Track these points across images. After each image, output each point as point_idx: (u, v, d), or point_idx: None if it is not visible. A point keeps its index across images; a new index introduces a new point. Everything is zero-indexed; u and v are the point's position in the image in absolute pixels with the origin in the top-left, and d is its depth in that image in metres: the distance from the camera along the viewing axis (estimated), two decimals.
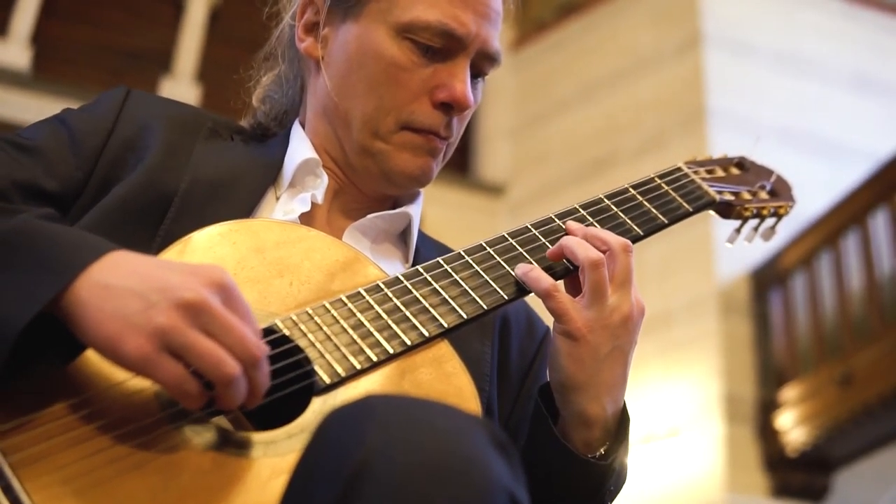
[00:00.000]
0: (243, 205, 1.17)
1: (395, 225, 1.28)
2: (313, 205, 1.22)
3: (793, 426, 5.12)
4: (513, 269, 1.12)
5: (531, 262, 1.12)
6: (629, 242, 1.13)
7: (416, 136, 1.21)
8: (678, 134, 6.04)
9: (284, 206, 1.21)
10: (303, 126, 1.31)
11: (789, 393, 5.19)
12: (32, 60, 6.31)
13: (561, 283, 1.12)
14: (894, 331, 4.78)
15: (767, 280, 5.56)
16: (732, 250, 5.59)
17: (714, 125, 5.93)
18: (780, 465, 5.17)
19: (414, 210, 1.29)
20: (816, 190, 5.69)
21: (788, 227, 5.49)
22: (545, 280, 1.09)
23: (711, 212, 1.37)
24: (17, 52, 6.27)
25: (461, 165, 7.30)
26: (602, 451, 1.10)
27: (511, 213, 6.68)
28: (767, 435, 5.22)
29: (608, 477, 1.11)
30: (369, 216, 1.24)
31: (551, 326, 1.11)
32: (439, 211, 6.71)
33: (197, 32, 6.81)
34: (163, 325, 0.81)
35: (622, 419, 1.13)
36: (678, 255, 5.58)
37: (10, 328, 0.80)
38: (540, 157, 6.86)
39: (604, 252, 1.11)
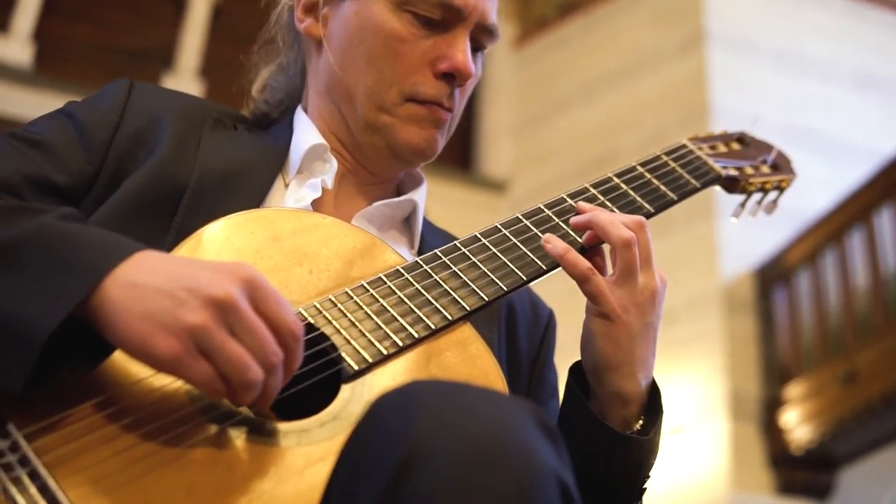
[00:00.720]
0: (254, 194, 1.17)
1: (401, 212, 1.29)
2: (323, 190, 1.22)
3: (797, 424, 5.11)
4: (529, 250, 1.12)
5: (541, 263, 1.12)
6: (643, 219, 1.15)
7: (421, 107, 1.21)
8: (680, 132, 5.99)
9: (295, 194, 1.21)
10: (305, 111, 1.31)
11: (793, 391, 5.18)
12: (34, 57, 6.30)
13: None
14: None
15: (772, 277, 5.55)
16: (736, 248, 5.60)
17: (716, 123, 5.92)
18: (784, 462, 5.16)
19: (419, 197, 1.30)
20: (818, 188, 5.69)
21: (793, 225, 5.50)
22: (582, 263, 1.09)
23: (718, 191, 1.39)
24: (18, 48, 6.26)
25: (463, 162, 7.29)
26: (638, 426, 1.11)
27: (513, 211, 6.60)
28: (771, 433, 5.21)
29: (653, 451, 1.12)
30: (375, 204, 1.25)
31: (585, 308, 1.11)
32: (441, 208, 6.69)
33: (199, 30, 6.80)
34: (194, 325, 0.80)
35: (654, 392, 1.13)
36: (682, 253, 5.57)
37: (39, 332, 0.80)
38: (542, 155, 6.85)
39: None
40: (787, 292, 5.48)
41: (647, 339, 1.11)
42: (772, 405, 5.24)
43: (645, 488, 1.15)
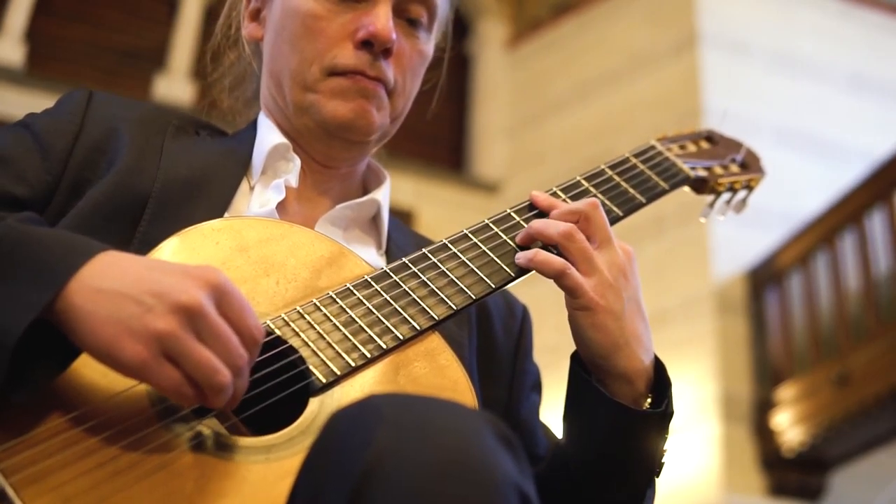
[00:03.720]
0: (218, 200, 1.16)
1: (364, 213, 1.28)
2: (287, 189, 1.21)
3: (789, 426, 5.11)
4: (497, 257, 1.11)
5: (517, 248, 1.12)
6: (595, 200, 1.13)
7: (342, 79, 1.19)
8: None
9: (260, 197, 1.20)
10: (266, 114, 1.31)
11: (785, 392, 5.19)
12: (26, 57, 6.28)
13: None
14: (891, 330, 4.77)
15: (764, 279, 5.55)
16: (728, 249, 5.61)
17: (710, 125, 5.88)
18: (776, 464, 5.17)
19: (381, 196, 1.29)
20: (812, 189, 5.70)
21: (785, 227, 5.51)
22: (556, 261, 1.08)
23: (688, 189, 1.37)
24: (10, 48, 6.24)
25: (456, 163, 7.29)
26: (647, 403, 1.11)
27: None
28: (764, 435, 5.22)
29: (667, 424, 1.12)
30: (338, 207, 1.24)
31: (565, 305, 1.10)
32: (434, 209, 6.69)
33: (191, 30, 6.79)
34: (161, 331, 0.80)
35: (658, 367, 1.13)
36: (674, 254, 5.57)
37: (7, 337, 0.79)
38: (535, 156, 6.85)
39: (575, 221, 1.11)
40: (780, 294, 5.48)
41: (633, 315, 1.10)
42: (764, 407, 5.25)
43: (663, 462, 1.14)
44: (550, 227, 1.10)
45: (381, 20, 1.18)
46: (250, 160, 1.24)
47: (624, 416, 1.08)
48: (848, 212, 5.23)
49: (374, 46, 1.19)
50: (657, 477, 1.15)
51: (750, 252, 5.58)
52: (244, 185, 1.22)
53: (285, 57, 1.22)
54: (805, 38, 6.60)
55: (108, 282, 0.83)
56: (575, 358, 1.15)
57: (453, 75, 8.10)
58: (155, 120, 1.23)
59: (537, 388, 1.36)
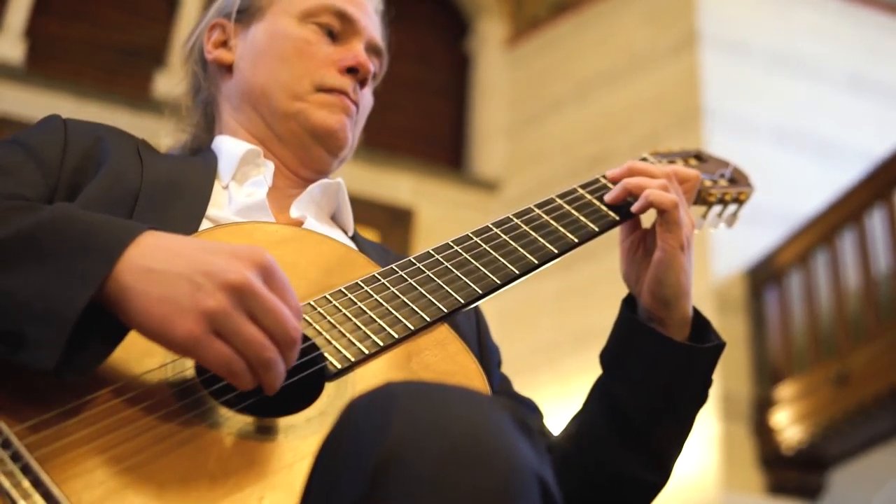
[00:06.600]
0: (199, 196, 1.24)
1: (330, 195, 1.39)
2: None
3: (788, 424, 5.12)
4: (499, 255, 1.18)
5: (512, 268, 1.17)
6: (670, 172, 1.28)
7: (330, 95, 1.37)
8: (673, 133, 6.04)
9: (238, 193, 1.30)
10: (223, 134, 1.42)
11: (785, 391, 5.19)
12: (26, 55, 6.28)
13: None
14: (890, 330, 4.78)
15: (763, 278, 5.56)
16: (727, 248, 5.61)
17: (709, 124, 5.93)
18: (775, 463, 5.17)
19: (341, 187, 1.41)
20: (811, 189, 5.70)
21: (784, 226, 5.51)
22: (668, 195, 1.21)
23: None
24: (10, 46, 6.24)
25: (455, 162, 7.29)
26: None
27: (505, 211, 6.58)
28: (763, 433, 5.22)
29: (719, 355, 1.24)
30: (308, 189, 1.35)
31: (659, 246, 1.21)
32: (433, 207, 6.70)
33: (191, 27, 6.78)
34: (212, 309, 0.84)
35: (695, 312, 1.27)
36: None
37: (69, 311, 0.82)
38: (535, 155, 6.85)
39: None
40: (779, 293, 5.48)
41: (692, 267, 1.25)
42: (763, 405, 5.25)
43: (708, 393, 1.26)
44: (657, 175, 1.26)
45: (363, 55, 1.40)
46: (216, 168, 1.34)
47: (687, 355, 1.20)
48: (848, 211, 5.23)
49: (357, 73, 1.39)
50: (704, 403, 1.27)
51: (749, 251, 5.58)
52: (217, 187, 1.30)
53: (272, 71, 1.38)
54: (804, 39, 6.60)
55: (158, 262, 0.87)
56: (626, 308, 1.26)
57: (453, 74, 8.06)
58: (125, 136, 1.33)
59: (500, 365, 1.44)
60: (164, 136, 1.51)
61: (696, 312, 1.26)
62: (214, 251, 0.89)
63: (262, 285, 0.86)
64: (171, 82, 6.46)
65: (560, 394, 5.06)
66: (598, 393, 1.27)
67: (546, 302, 5.69)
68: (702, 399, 1.25)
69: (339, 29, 1.41)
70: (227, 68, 1.44)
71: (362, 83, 1.41)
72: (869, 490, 5.30)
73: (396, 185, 6.61)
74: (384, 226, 6.29)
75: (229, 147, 1.36)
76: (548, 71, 7.13)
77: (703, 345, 1.21)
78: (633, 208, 1.25)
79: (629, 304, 1.28)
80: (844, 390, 4.88)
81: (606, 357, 1.27)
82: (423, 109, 7.18)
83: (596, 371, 1.28)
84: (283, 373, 0.88)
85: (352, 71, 1.38)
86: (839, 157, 6.15)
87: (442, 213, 6.57)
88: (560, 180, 6.35)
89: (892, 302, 4.92)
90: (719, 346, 1.23)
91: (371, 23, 1.45)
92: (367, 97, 1.45)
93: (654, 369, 1.20)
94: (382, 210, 6.35)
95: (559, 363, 5.51)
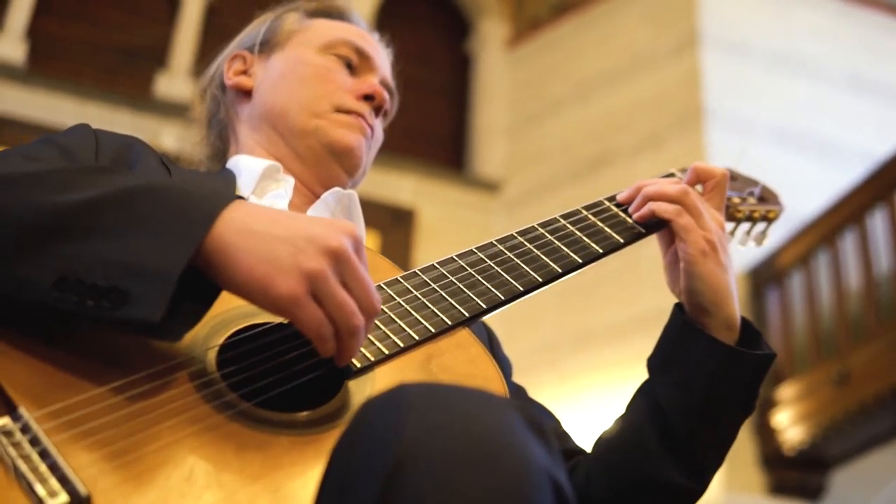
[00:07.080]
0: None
1: (343, 204, 1.40)
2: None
3: (789, 425, 5.12)
4: (522, 262, 1.19)
5: (528, 272, 1.19)
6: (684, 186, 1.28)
7: (348, 116, 1.43)
8: (674, 133, 6.04)
9: (266, 203, 1.32)
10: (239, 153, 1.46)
11: (786, 391, 5.19)
12: (27, 55, 6.28)
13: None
14: (891, 330, 4.78)
15: (764, 279, 5.56)
16: (729, 249, 5.60)
17: (710, 125, 5.93)
18: (776, 463, 5.18)
19: (355, 198, 1.42)
20: (811, 189, 5.70)
21: (785, 227, 5.51)
22: (669, 205, 1.23)
23: None
24: (11, 46, 6.24)
25: (456, 162, 7.29)
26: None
27: (506, 211, 6.66)
28: (764, 433, 5.23)
29: (770, 365, 1.25)
30: (322, 196, 1.38)
31: (682, 257, 1.23)
32: (434, 208, 6.70)
33: (192, 28, 6.79)
34: (313, 270, 0.87)
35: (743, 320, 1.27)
36: None
37: (173, 267, 0.84)
38: (535, 155, 6.85)
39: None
40: (780, 293, 5.49)
41: (729, 268, 1.25)
42: (764, 406, 5.25)
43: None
44: (666, 187, 1.26)
45: (379, 86, 1.46)
46: (236, 183, 1.37)
47: (731, 357, 1.20)
48: (848, 211, 5.24)
49: (374, 100, 1.45)
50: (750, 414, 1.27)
51: (750, 252, 5.56)
52: None
53: (295, 91, 1.44)
54: (805, 39, 6.61)
55: (258, 224, 0.89)
56: (678, 311, 1.27)
57: (453, 74, 8.06)
58: (150, 147, 1.35)
59: (510, 377, 1.43)
60: (164, 135, 1.54)
61: (748, 323, 1.26)
62: (310, 219, 0.92)
63: (355, 255, 0.90)
64: (171, 83, 6.46)
65: (561, 394, 5.06)
66: (642, 393, 1.27)
67: (548, 302, 5.70)
68: (746, 409, 1.25)
69: (357, 63, 1.48)
70: (246, 93, 1.49)
71: (377, 111, 1.47)
72: (870, 490, 5.30)
73: (397, 186, 6.61)
74: (385, 226, 6.29)
75: (248, 164, 1.40)
76: (548, 71, 7.13)
77: (749, 350, 1.22)
78: (636, 215, 1.27)
79: (682, 308, 1.28)
80: (845, 390, 4.88)
81: (652, 360, 1.28)
82: (424, 110, 7.18)
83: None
84: (362, 343, 0.90)
85: (368, 98, 1.44)
86: (839, 158, 6.15)
87: (443, 214, 6.57)
88: (560, 180, 6.35)
89: (893, 302, 4.92)
90: (769, 357, 1.23)
91: (384, 64, 1.53)
92: (378, 129, 1.49)
93: (698, 369, 1.20)
94: (384, 210, 6.35)
95: (560, 363, 5.51)
